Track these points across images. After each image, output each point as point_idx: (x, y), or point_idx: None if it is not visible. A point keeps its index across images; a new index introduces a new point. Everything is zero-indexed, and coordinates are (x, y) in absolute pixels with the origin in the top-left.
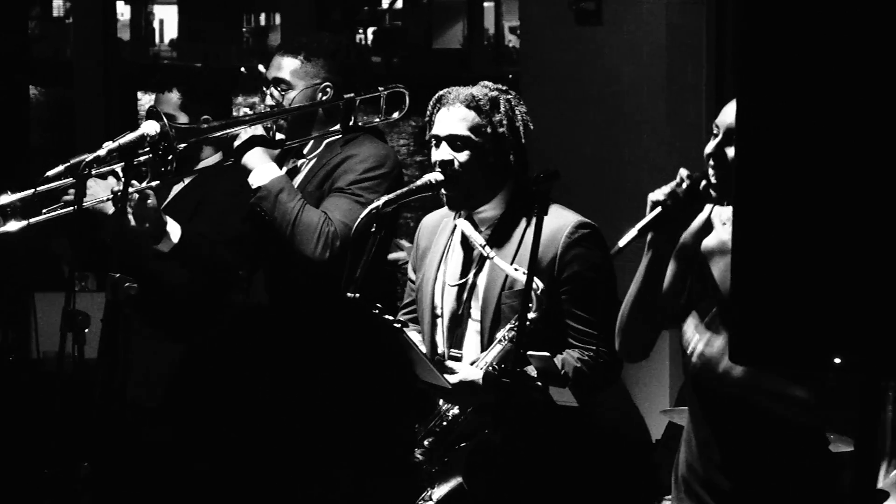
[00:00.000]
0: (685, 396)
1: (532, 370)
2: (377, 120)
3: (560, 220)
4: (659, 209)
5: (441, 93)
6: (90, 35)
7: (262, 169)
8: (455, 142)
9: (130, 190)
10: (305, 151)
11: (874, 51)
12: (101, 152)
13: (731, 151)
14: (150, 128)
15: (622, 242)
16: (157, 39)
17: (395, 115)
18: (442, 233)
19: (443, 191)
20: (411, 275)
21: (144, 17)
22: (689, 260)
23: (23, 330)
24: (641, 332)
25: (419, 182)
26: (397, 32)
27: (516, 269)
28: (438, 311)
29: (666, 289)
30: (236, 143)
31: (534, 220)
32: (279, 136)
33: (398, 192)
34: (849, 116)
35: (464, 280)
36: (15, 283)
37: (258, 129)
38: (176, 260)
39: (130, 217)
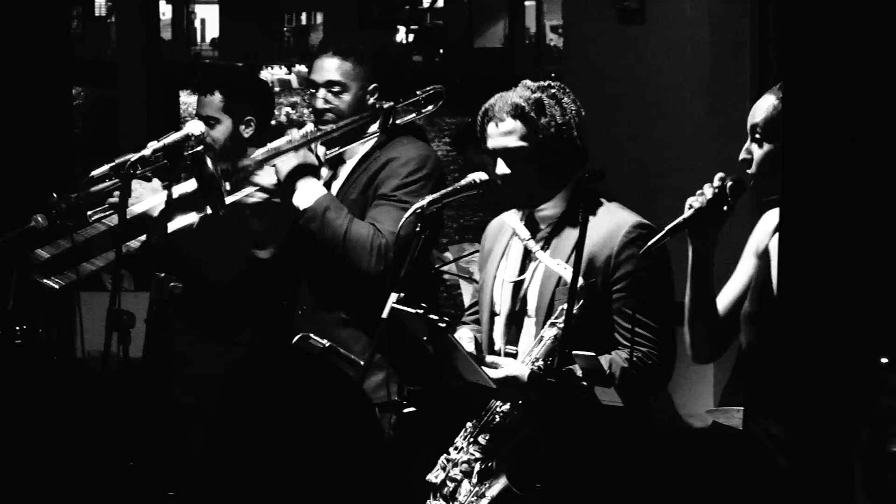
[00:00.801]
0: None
1: (577, 369)
2: (413, 115)
3: (618, 220)
4: (690, 212)
5: (486, 105)
6: (133, 35)
7: (305, 189)
8: (508, 155)
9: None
10: (345, 156)
11: None
12: (146, 152)
13: (755, 148)
14: (194, 127)
15: (651, 242)
16: (198, 39)
17: (430, 108)
18: (505, 233)
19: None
20: (477, 276)
21: (186, 17)
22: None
23: (67, 329)
24: (703, 333)
25: (463, 182)
26: (438, 31)
27: (558, 264)
28: (497, 309)
29: (749, 292)
30: (283, 171)
31: (586, 218)
32: (320, 148)
33: (442, 192)
34: None
35: (521, 277)
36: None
37: (304, 156)
38: (267, 270)
39: (250, 215)
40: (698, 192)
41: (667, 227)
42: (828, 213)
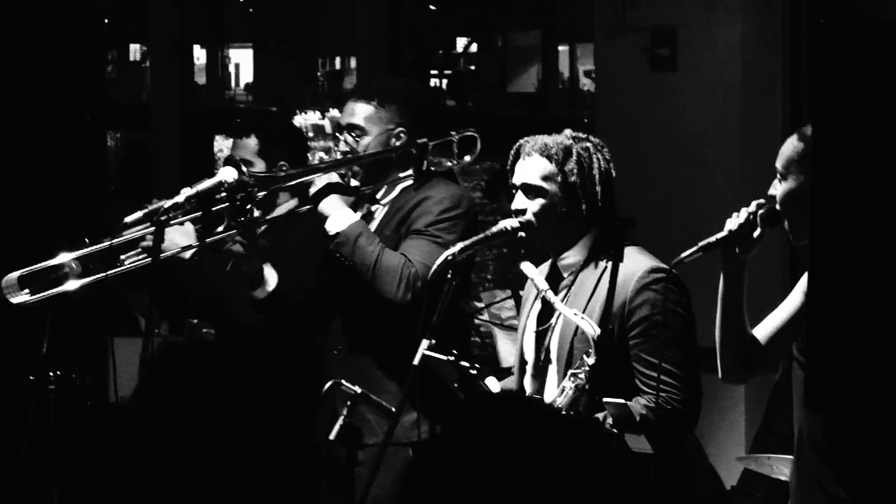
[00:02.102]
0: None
1: (608, 416)
2: (450, 164)
3: (635, 265)
4: (722, 233)
5: (520, 142)
6: (167, 79)
7: (338, 215)
8: (528, 191)
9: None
10: (379, 196)
11: None
12: (179, 199)
13: (777, 185)
14: (227, 174)
15: (683, 255)
16: (232, 83)
17: (467, 158)
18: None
19: (520, 235)
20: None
21: (220, 61)
22: None
23: (101, 375)
24: (732, 354)
25: (495, 228)
26: (471, 76)
27: (575, 314)
28: (527, 358)
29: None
30: (312, 190)
31: (609, 266)
32: (353, 182)
33: (474, 238)
34: None
35: (545, 325)
36: (92, 329)
37: (333, 176)
38: (268, 308)
39: (230, 263)
40: (735, 213)
41: (699, 244)
42: (857, 259)
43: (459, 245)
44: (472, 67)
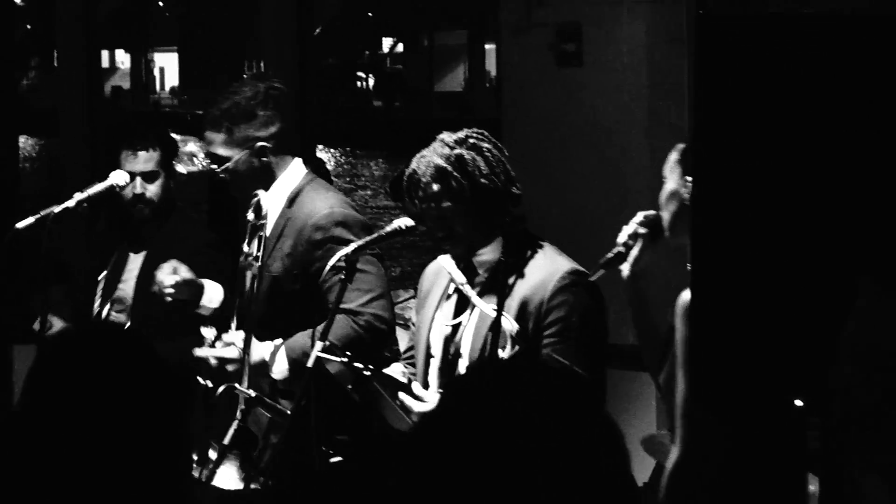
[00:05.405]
0: None
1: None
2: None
3: (553, 265)
4: (617, 249)
5: (409, 171)
6: (74, 84)
7: (277, 364)
8: (441, 214)
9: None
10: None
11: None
12: (70, 203)
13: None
14: (118, 178)
15: (591, 277)
16: (157, 87)
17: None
18: (444, 276)
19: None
20: (413, 318)
21: (144, 65)
22: None
23: (2, 384)
24: (648, 350)
25: (389, 228)
26: (398, 76)
27: (494, 309)
28: (433, 352)
29: None
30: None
31: (524, 263)
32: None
33: (367, 238)
34: (802, 162)
35: (457, 321)
36: None
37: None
38: (217, 318)
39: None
40: (624, 226)
41: (599, 262)
42: (737, 260)
43: (353, 245)
44: (399, 68)
